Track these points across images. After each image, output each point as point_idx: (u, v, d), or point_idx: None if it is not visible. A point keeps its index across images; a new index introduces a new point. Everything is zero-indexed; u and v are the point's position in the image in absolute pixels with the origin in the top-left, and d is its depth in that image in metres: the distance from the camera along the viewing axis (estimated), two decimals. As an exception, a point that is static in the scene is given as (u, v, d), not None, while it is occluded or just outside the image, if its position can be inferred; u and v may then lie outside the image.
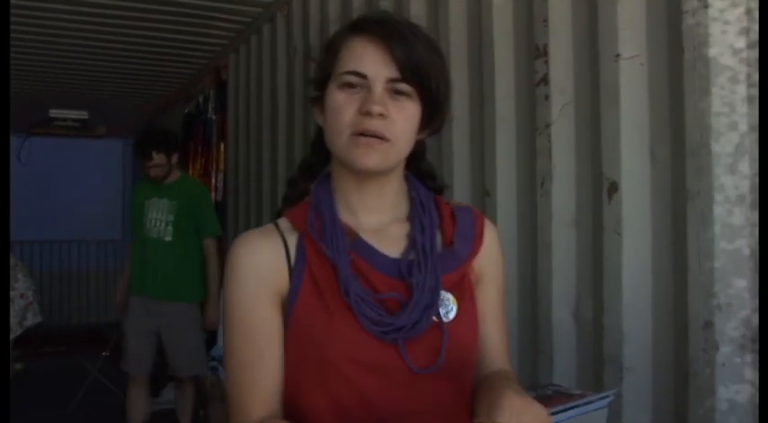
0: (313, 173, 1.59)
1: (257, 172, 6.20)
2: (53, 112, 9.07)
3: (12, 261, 6.69)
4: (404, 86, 1.42)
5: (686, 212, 2.29)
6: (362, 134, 1.39)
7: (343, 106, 1.41)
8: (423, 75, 1.43)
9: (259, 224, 5.93)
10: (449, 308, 1.46)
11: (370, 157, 1.41)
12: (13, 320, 6.59)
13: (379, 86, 1.40)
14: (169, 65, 7.77)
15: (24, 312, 6.66)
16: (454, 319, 1.45)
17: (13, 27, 6.05)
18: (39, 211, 11.89)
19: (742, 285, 2.17)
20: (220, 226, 5.53)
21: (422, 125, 1.49)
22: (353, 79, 1.41)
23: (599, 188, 2.64)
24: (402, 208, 1.55)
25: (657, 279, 2.47)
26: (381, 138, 1.40)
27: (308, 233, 1.46)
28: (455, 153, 3.32)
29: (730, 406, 2.17)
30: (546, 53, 2.86)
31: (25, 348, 6.96)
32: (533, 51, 2.94)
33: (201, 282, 5.33)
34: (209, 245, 5.28)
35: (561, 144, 2.82)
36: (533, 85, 2.94)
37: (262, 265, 1.45)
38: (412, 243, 1.48)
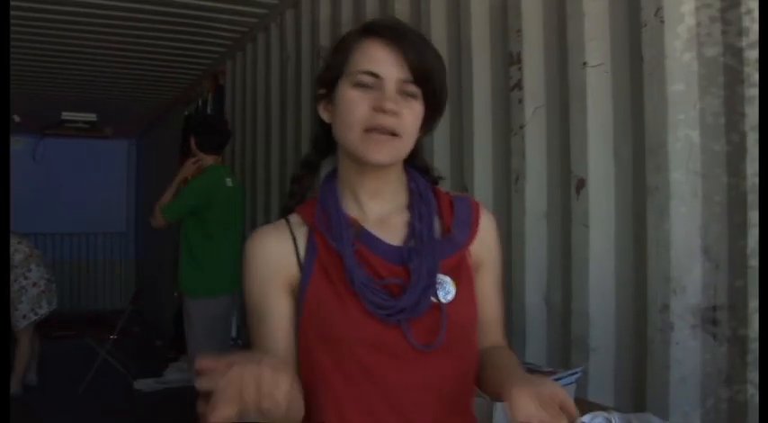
0: (316, 168, 1.61)
1: (252, 169, 6.21)
2: (65, 115, 9.05)
3: (27, 251, 6.70)
4: (413, 88, 1.44)
5: (646, 206, 2.33)
6: (375, 130, 1.41)
7: (356, 103, 1.42)
8: (429, 78, 1.46)
9: (253, 219, 5.98)
10: (447, 290, 1.47)
11: (382, 153, 1.43)
12: (26, 307, 6.59)
13: (391, 86, 1.42)
14: (171, 70, 7.75)
15: (39, 300, 6.66)
16: (452, 300, 1.47)
17: (29, 37, 6.08)
18: (51, 205, 11.88)
19: (696, 273, 2.21)
20: (177, 212, 4.82)
21: (423, 124, 1.51)
22: (367, 79, 1.42)
23: (568, 184, 2.67)
24: (402, 197, 1.56)
25: (620, 267, 2.51)
26: (393, 134, 1.42)
27: (316, 226, 1.48)
28: (436, 152, 3.33)
29: (682, 380, 2.21)
30: (520, 61, 2.89)
31: (39, 331, 6.97)
32: (508, 59, 2.96)
33: (192, 274, 4.86)
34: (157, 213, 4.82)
35: (533, 144, 2.85)
36: (508, 89, 2.96)
37: (272, 257, 1.47)
38: (411, 231, 1.50)
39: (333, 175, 1.57)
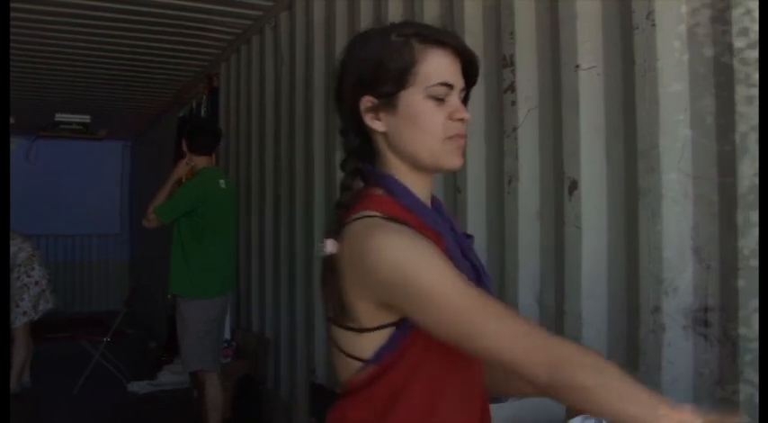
0: (362, 176, 1.55)
1: (246, 169, 6.21)
2: (59, 117, 9.04)
3: (30, 251, 6.81)
4: (465, 91, 1.50)
5: (638, 208, 2.35)
6: (454, 138, 1.45)
7: (434, 114, 1.44)
8: (475, 82, 1.53)
9: (247, 217, 5.98)
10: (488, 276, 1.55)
11: (460, 158, 1.48)
12: (28, 305, 6.65)
13: (458, 94, 1.47)
14: (165, 73, 7.74)
15: (38, 299, 6.73)
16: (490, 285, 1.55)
17: (23, 38, 6.07)
18: (45, 207, 11.84)
19: (687, 274, 2.22)
20: (171, 214, 4.75)
21: None
22: (442, 90, 1.44)
23: (560, 186, 2.68)
24: None
25: (612, 268, 2.52)
26: (463, 137, 1.47)
27: (424, 226, 1.44)
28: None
29: (674, 381, 2.22)
30: (512, 63, 2.90)
31: (32, 332, 6.97)
32: (501, 61, 2.97)
33: (186, 276, 4.78)
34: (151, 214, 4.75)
35: (526, 146, 2.86)
36: (501, 92, 2.98)
37: (424, 240, 1.38)
38: (452, 226, 1.54)
39: (384, 176, 1.51)
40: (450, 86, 1.44)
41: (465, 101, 1.51)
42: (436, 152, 1.45)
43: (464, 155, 1.49)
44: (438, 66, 1.44)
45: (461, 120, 1.45)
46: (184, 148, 4.91)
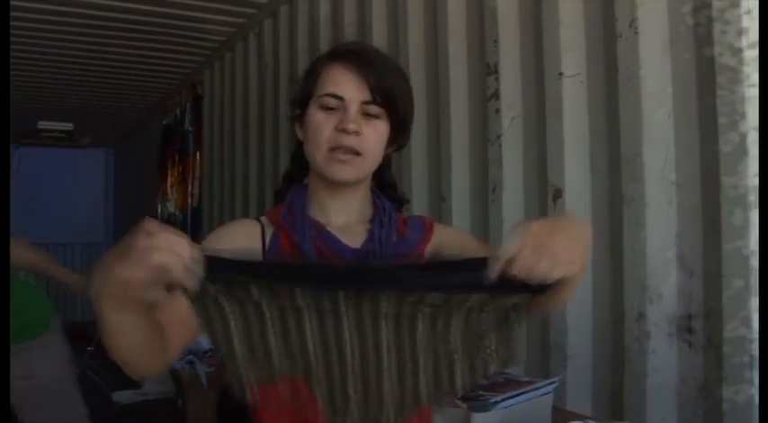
0: (295, 182, 1.66)
1: (230, 178, 6.19)
2: (41, 124, 9.00)
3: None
4: (375, 108, 1.51)
5: (622, 215, 2.36)
6: (338, 149, 1.48)
7: (322, 124, 1.50)
8: (391, 98, 1.52)
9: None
10: None
11: (345, 171, 1.50)
12: None
13: (353, 108, 1.49)
14: (149, 80, 7.72)
15: None
16: None
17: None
18: (28, 215, 11.76)
19: (671, 281, 2.24)
20: None
21: (389, 141, 1.57)
22: (332, 101, 1.49)
23: (545, 194, 2.69)
24: (367, 212, 1.62)
25: (597, 275, 2.52)
26: (356, 153, 1.49)
27: (280, 223, 1.55)
28: (414, 161, 3.35)
29: (659, 388, 2.23)
30: (497, 71, 2.91)
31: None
32: (485, 69, 2.98)
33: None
34: None
35: (511, 154, 2.87)
36: (485, 99, 2.98)
37: (240, 238, 1.52)
38: (371, 236, 1.55)
39: (304, 185, 1.64)
40: (338, 98, 1.49)
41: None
42: (320, 162, 1.52)
43: (358, 168, 1.52)
44: (330, 77, 1.52)
45: (344, 131, 1.48)
46: None
